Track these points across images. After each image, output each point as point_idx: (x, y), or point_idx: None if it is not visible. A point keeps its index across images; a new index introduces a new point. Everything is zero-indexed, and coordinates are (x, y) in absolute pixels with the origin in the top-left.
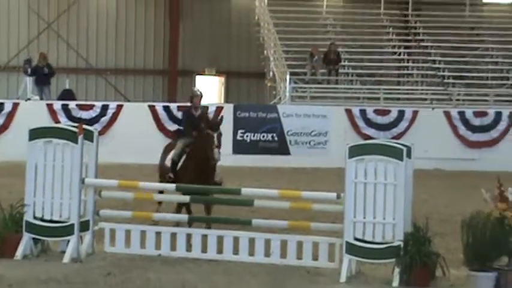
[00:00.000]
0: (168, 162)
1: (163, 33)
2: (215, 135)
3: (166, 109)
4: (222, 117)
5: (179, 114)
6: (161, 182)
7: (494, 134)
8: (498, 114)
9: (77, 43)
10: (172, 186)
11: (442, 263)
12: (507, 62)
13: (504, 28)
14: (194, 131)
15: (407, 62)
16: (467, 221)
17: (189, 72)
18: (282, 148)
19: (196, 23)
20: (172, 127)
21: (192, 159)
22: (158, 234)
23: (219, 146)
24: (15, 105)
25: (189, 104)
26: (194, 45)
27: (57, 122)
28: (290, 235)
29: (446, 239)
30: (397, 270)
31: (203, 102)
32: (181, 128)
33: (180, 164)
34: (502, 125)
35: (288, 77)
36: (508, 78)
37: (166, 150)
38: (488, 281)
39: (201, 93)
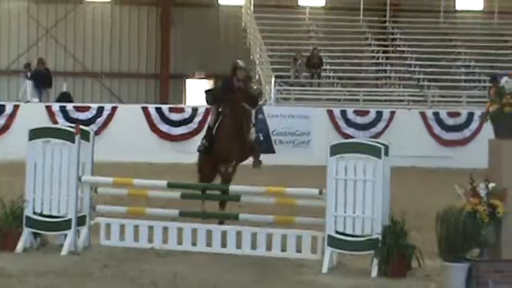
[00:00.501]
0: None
1: (155, 39)
2: (253, 111)
3: (159, 111)
4: (260, 91)
5: (171, 116)
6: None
7: (466, 133)
8: (470, 115)
9: (74, 48)
10: (164, 183)
11: (418, 255)
12: (479, 66)
13: (476, 34)
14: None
15: (385, 66)
16: (442, 215)
17: (180, 76)
18: (267, 147)
19: (187, 30)
20: (164, 127)
21: (227, 127)
22: (151, 228)
23: (255, 124)
24: (16, 107)
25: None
26: (184, 50)
27: (56, 122)
28: (275, 229)
29: (422, 232)
30: (375, 261)
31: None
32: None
33: (215, 130)
34: (474, 124)
35: (273, 80)
36: (479, 81)
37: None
38: (461, 272)
39: (245, 67)
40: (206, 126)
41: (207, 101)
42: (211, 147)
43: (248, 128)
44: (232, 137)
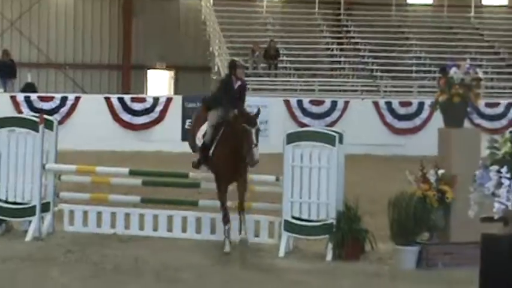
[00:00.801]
0: (198, 142)
1: (117, 31)
2: (253, 131)
3: (121, 100)
4: (259, 109)
5: (133, 106)
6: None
7: (417, 121)
8: (421, 104)
9: (38, 40)
10: (126, 170)
11: (371, 239)
12: (429, 57)
13: (426, 26)
14: (231, 105)
15: (340, 57)
16: (393, 201)
17: (142, 67)
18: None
19: (148, 21)
20: (126, 117)
21: (226, 147)
22: (113, 214)
23: (257, 144)
24: None
25: (228, 73)
26: (146, 41)
27: (20, 112)
28: (234, 214)
29: (375, 217)
30: (330, 245)
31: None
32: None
33: (212, 150)
34: (425, 113)
35: None
36: (430, 72)
37: (197, 122)
38: (412, 254)
39: (243, 65)
40: (200, 142)
41: (208, 108)
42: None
43: (249, 149)
44: (231, 162)
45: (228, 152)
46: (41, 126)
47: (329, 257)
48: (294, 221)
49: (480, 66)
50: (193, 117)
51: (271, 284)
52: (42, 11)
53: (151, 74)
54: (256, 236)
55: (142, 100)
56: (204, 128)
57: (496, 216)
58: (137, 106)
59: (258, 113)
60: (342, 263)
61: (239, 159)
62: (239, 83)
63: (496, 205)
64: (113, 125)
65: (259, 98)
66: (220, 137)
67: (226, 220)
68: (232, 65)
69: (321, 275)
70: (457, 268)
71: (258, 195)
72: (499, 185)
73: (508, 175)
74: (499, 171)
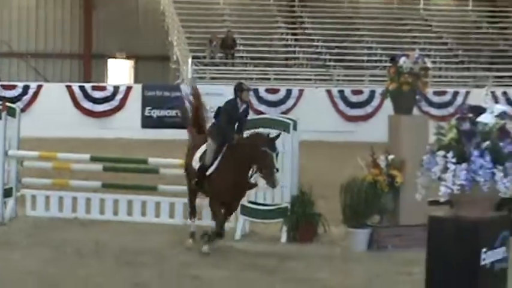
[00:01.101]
0: (195, 164)
1: (78, 21)
2: (274, 155)
3: (82, 89)
4: (279, 134)
5: (94, 94)
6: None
7: (369, 109)
8: (372, 92)
9: (1, 30)
10: (87, 156)
11: (324, 222)
12: (380, 47)
13: (377, 17)
14: (235, 131)
15: (294, 47)
16: (345, 185)
17: (102, 56)
18: (184, 122)
19: (108, 11)
20: (87, 105)
21: (230, 169)
22: (75, 199)
23: (278, 169)
24: None
25: (234, 97)
26: (106, 31)
27: None
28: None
29: (328, 201)
30: (284, 228)
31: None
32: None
33: (212, 170)
34: (376, 101)
35: (189, 60)
36: (380, 61)
37: (194, 148)
38: (363, 236)
39: (249, 88)
40: (197, 164)
41: (209, 133)
42: (200, 184)
43: (271, 174)
44: (232, 184)
45: (231, 174)
46: (3, 114)
47: (283, 239)
48: (250, 205)
49: (428, 56)
50: (189, 147)
51: (228, 266)
52: (4, 1)
53: (111, 63)
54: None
55: (103, 88)
56: (201, 150)
57: (442, 200)
58: (98, 94)
59: (278, 136)
60: (296, 245)
61: (241, 183)
62: (244, 106)
63: (442, 189)
64: (74, 112)
65: (216, 86)
66: (223, 158)
67: (219, 231)
68: (239, 88)
69: (276, 257)
70: (405, 249)
71: None
72: (445, 169)
73: (454, 160)
74: (445, 157)
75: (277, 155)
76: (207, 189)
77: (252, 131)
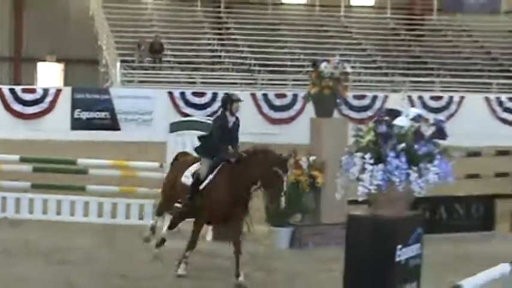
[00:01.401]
0: (186, 179)
1: (8, 24)
2: (285, 177)
3: (12, 91)
4: (294, 152)
5: (24, 96)
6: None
7: (292, 112)
8: (295, 96)
9: None
10: (16, 157)
11: (248, 221)
12: (302, 53)
13: (300, 24)
14: (229, 146)
15: (220, 52)
16: None
17: (32, 59)
18: (113, 124)
19: (39, 15)
20: (17, 107)
21: (227, 185)
22: (4, 199)
23: (286, 192)
24: None
25: (222, 110)
26: (37, 35)
27: None
28: (120, 198)
29: (252, 200)
30: (210, 227)
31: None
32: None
33: (205, 184)
34: (298, 105)
35: (118, 64)
36: (303, 66)
37: (181, 167)
38: (286, 234)
39: (239, 99)
40: (190, 180)
41: (202, 152)
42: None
43: (278, 196)
44: (228, 201)
45: (228, 189)
46: None
47: (209, 237)
48: (177, 204)
49: (348, 61)
50: (173, 167)
51: (155, 265)
52: None
53: (41, 66)
54: (141, 218)
55: (33, 91)
56: (194, 167)
57: (360, 199)
58: (28, 97)
59: (290, 157)
60: (221, 243)
61: (240, 200)
62: (233, 119)
63: (360, 189)
64: (4, 114)
65: (144, 89)
66: (220, 173)
67: (191, 246)
68: (228, 100)
69: (202, 255)
70: (326, 247)
71: (142, 181)
72: (363, 170)
73: (371, 161)
74: (363, 158)
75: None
76: (198, 205)
77: (257, 145)
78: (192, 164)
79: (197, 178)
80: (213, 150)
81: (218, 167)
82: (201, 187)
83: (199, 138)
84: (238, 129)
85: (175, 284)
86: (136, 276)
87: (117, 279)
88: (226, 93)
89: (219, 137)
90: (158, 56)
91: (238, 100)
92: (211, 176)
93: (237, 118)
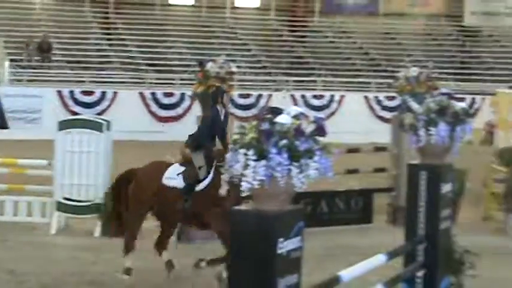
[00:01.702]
0: (168, 182)
1: None
2: None
3: None
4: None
5: None
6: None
7: (179, 110)
8: (182, 95)
9: None
10: None
11: None
12: (189, 53)
13: (187, 25)
14: (220, 139)
15: (109, 52)
16: None
17: None
18: (1, 123)
19: None
20: None
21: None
22: None
23: None
24: None
25: (214, 104)
26: None
27: None
28: (8, 196)
29: None
30: (98, 223)
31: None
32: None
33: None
34: (186, 103)
35: (6, 63)
36: (190, 66)
37: (159, 168)
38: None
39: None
40: (178, 182)
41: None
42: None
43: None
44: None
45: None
46: None
47: (97, 233)
48: (65, 201)
49: (234, 61)
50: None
51: (44, 260)
52: None
53: None
54: (29, 215)
55: None
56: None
57: (244, 194)
58: None
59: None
60: (107, 239)
61: None
62: (223, 111)
63: (244, 184)
64: None
65: (33, 88)
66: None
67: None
68: (219, 93)
69: (89, 250)
70: (213, 241)
71: (30, 179)
72: (246, 166)
73: (254, 157)
74: (246, 154)
75: None
76: (195, 207)
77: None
78: (166, 167)
79: (196, 179)
80: (203, 142)
81: (213, 166)
82: (200, 187)
83: (193, 134)
84: (227, 120)
85: (67, 278)
86: (24, 271)
87: (4, 274)
88: (215, 87)
89: (207, 130)
90: (47, 55)
91: (224, 90)
92: (211, 175)
93: (226, 110)
